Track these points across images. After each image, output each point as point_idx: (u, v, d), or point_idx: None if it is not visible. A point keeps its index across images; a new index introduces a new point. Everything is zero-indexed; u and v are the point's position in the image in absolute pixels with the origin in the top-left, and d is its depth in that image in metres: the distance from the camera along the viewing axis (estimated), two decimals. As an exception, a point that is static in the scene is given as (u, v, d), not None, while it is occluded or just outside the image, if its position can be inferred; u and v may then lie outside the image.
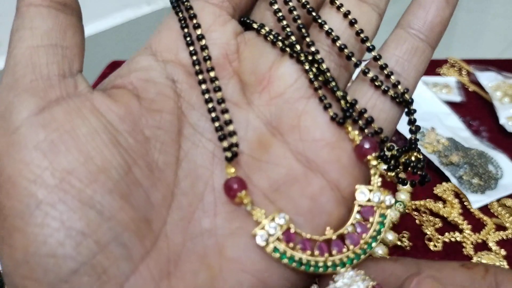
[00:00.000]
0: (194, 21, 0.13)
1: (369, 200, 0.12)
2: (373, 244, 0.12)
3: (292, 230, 0.12)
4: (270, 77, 0.13)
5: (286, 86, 0.13)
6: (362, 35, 0.13)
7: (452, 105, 0.41)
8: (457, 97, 0.43)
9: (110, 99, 0.12)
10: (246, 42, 0.14)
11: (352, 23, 0.13)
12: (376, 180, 0.13)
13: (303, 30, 0.13)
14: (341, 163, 0.12)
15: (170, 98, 0.12)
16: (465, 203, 0.32)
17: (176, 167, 0.12)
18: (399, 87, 0.13)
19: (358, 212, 0.12)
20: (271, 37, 0.13)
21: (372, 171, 0.13)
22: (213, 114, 0.12)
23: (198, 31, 0.13)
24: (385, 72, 0.13)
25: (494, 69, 0.44)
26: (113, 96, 0.12)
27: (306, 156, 0.12)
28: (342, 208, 0.13)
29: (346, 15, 0.13)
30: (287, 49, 0.13)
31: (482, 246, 0.29)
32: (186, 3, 0.13)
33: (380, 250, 0.28)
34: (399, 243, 0.29)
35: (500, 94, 0.41)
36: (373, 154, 0.13)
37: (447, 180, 0.34)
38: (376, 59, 0.13)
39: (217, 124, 0.12)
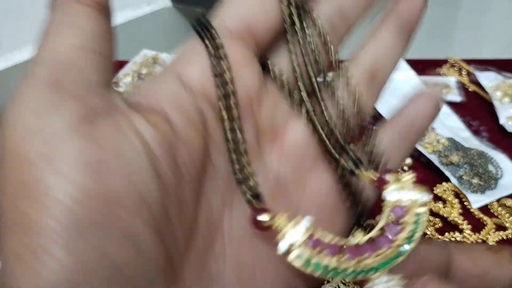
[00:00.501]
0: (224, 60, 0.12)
1: (398, 200, 0.12)
2: (408, 247, 0.11)
3: (316, 236, 0.11)
4: (285, 129, 0.13)
5: (298, 143, 0.13)
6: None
7: (452, 105, 0.41)
8: (457, 97, 0.43)
9: (146, 119, 0.11)
10: (268, 87, 0.13)
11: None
12: (407, 178, 0.12)
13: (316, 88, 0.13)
14: (336, 230, 0.12)
15: (200, 132, 0.12)
16: (465, 203, 0.32)
17: (197, 206, 0.11)
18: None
19: (389, 212, 0.12)
20: (287, 87, 0.13)
21: (401, 176, 0.12)
22: (234, 156, 0.12)
23: (228, 72, 0.12)
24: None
25: (494, 69, 0.44)
26: (147, 118, 0.11)
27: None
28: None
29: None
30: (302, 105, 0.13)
31: (482, 246, 0.29)
32: (213, 35, 0.12)
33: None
34: (399, 243, 0.29)
35: (500, 94, 0.41)
36: (390, 177, 0.12)
37: (447, 180, 0.34)
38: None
39: (237, 166, 0.12)
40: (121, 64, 0.51)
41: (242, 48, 0.12)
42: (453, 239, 0.30)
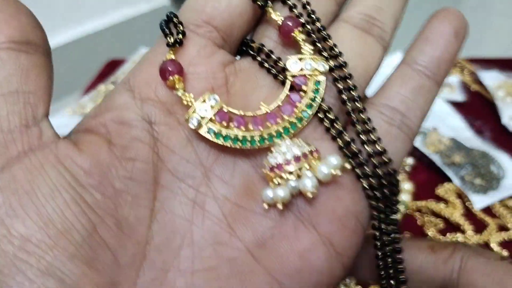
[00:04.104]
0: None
1: (301, 70, 0.12)
2: (309, 112, 0.12)
3: (224, 110, 0.12)
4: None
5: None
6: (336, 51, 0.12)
7: (454, 104, 0.41)
8: (459, 97, 0.42)
9: (76, 149, 0.11)
10: (237, 73, 0.13)
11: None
12: (306, 49, 0.12)
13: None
14: (336, 214, 0.11)
15: (145, 143, 0.11)
16: (467, 203, 0.32)
17: (149, 221, 0.11)
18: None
19: (291, 82, 0.12)
20: (266, 65, 0.12)
21: (301, 43, 0.12)
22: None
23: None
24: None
25: (497, 69, 0.44)
26: (80, 144, 0.11)
27: (297, 205, 0.11)
28: (335, 265, 0.11)
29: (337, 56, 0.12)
30: (280, 76, 0.12)
31: (484, 247, 0.29)
32: (178, 28, 0.12)
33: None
34: (401, 244, 0.29)
35: (502, 93, 0.41)
36: (298, 29, 0.12)
37: (449, 180, 0.34)
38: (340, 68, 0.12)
39: None
40: (120, 63, 0.51)
41: (199, 40, 0.12)
42: (455, 240, 0.29)
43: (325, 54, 0.12)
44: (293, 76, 0.12)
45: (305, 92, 0.12)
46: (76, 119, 0.41)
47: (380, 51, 0.13)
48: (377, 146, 0.12)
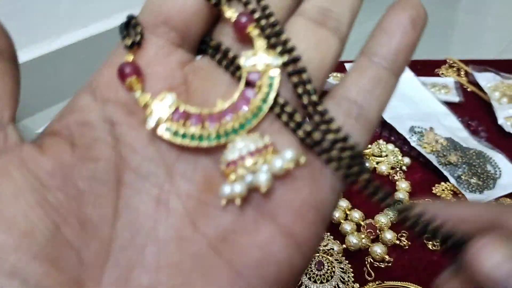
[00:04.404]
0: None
1: (254, 65, 0.12)
2: (264, 107, 0.12)
3: (181, 109, 0.12)
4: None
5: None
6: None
7: (450, 105, 0.42)
8: (455, 98, 0.43)
9: (40, 151, 0.11)
10: (195, 71, 0.13)
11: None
12: (259, 44, 0.12)
13: None
14: (294, 206, 0.11)
15: (107, 143, 0.11)
16: (463, 202, 0.32)
17: (114, 220, 0.11)
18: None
19: (246, 79, 0.12)
20: (225, 62, 0.13)
21: (255, 39, 0.12)
22: None
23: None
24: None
25: (493, 70, 0.45)
26: (44, 147, 0.11)
27: (256, 198, 0.11)
28: (295, 256, 0.11)
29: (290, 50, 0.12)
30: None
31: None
32: (137, 32, 0.12)
33: (379, 250, 0.28)
34: (397, 242, 0.29)
35: (498, 94, 0.41)
36: (252, 25, 0.12)
37: (445, 180, 0.34)
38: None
39: None
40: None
41: (157, 41, 0.12)
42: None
43: (278, 49, 0.12)
44: (248, 72, 0.12)
45: (259, 87, 0.12)
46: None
47: (337, 43, 0.13)
48: (339, 135, 0.12)
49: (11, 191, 0.10)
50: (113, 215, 0.11)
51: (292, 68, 0.12)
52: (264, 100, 0.12)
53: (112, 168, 0.11)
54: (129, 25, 0.13)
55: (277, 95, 0.12)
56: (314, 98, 0.12)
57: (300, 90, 0.12)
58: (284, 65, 0.12)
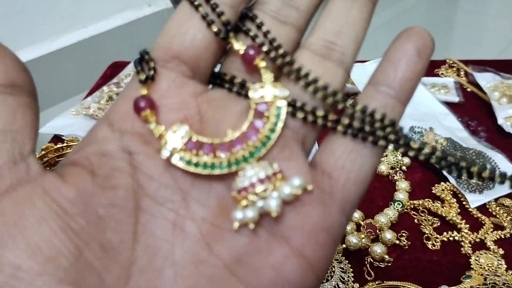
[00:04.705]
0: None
1: (262, 97, 0.13)
2: (272, 136, 0.12)
3: (194, 139, 0.12)
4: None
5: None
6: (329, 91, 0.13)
7: (450, 105, 0.42)
8: (455, 98, 0.43)
9: (61, 180, 0.11)
10: (209, 102, 0.13)
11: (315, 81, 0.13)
12: (266, 76, 0.13)
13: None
14: (305, 229, 0.12)
15: (125, 172, 0.12)
16: (463, 202, 0.32)
17: (133, 244, 0.12)
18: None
19: (254, 110, 0.13)
20: (243, 92, 0.13)
21: (262, 71, 0.13)
22: None
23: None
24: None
25: (492, 70, 0.45)
26: (65, 176, 0.12)
27: (268, 222, 0.12)
28: (308, 276, 0.12)
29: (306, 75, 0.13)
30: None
31: (480, 245, 0.29)
32: (149, 64, 0.13)
33: (379, 249, 0.28)
34: (397, 242, 0.29)
35: (498, 94, 0.41)
36: (259, 57, 0.13)
37: (445, 179, 0.34)
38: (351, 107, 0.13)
39: None
40: (123, 65, 0.51)
41: (169, 74, 0.13)
42: (451, 238, 0.30)
43: (292, 77, 0.13)
44: (256, 103, 0.13)
45: (267, 117, 0.13)
46: (80, 119, 0.42)
47: (341, 74, 0.14)
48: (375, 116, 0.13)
49: (35, 219, 0.11)
50: (132, 240, 0.12)
51: (313, 88, 0.13)
52: (272, 130, 0.13)
53: (131, 195, 0.12)
54: (143, 61, 0.13)
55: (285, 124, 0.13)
56: (340, 96, 0.13)
57: (323, 95, 0.13)
58: (307, 85, 0.13)
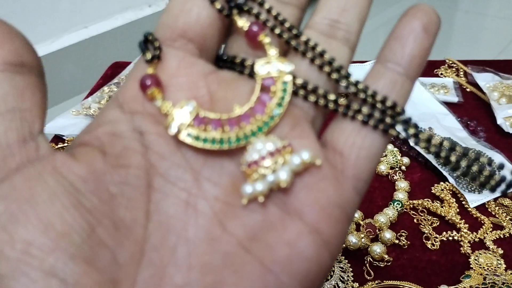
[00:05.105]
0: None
1: (268, 72, 0.13)
2: (279, 111, 0.13)
3: (201, 115, 0.12)
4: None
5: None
6: (335, 64, 0.13)
7: (449, 105, 0.42)
8: (454, 98, 0.43)
9: (72, 159, 0.11)
10: (219, 82, 0.13)
11: (321, 54, 0.13)
12: (272, 52, 0.13)
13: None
14: (320, 205, 0.12)
15: (137, 151, 0.12)
16: (462, 202, 0.32)
17: (146, 222, 0.12)
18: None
19: (261, 85, 0.13)
20: (247, 71, 0.13)
21: (266, 47, 0.13)
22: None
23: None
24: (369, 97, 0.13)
25: (492, 70, 0.45)
26: (76, 156, 0.12)
27: (282, 198, 0.12)
28: (323, 253, 0.12)
29: (313, 48, 0.13)
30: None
31: (479, 245, 0.29)
32: (155, 47, 0.13)
33: (378, 249, 0.28)
34: (397, 241, 0.30)
35: (497, 94, 0.41)
36: (263, 33, 0.13)
37: (444, 179, 0.34)
38: (357, 88, 0.13)
39: None
40: (123, 65, 0.52)
41: (177, 53, 0.13)
42: (450, 238, 0.30)
43: (301, 49, 0.13)
44: (262, 79, 0.13)
45: (274, 92, 0.13)
46: (80, 119, 0.42)
47: (347, 53, 0.14)
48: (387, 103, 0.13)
49: (46, 195, 0.11)
50: (144, 218, 0.12)
51: (320, 62, 0.13)
52: (280, 104, 0.13)
53: (143, 174, 0.12)
54: (147, 41, 0.13)
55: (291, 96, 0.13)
56: (351, 80, 0.13)
57: (327, 69, 0.13)
58: (312, 60, 0.13)
